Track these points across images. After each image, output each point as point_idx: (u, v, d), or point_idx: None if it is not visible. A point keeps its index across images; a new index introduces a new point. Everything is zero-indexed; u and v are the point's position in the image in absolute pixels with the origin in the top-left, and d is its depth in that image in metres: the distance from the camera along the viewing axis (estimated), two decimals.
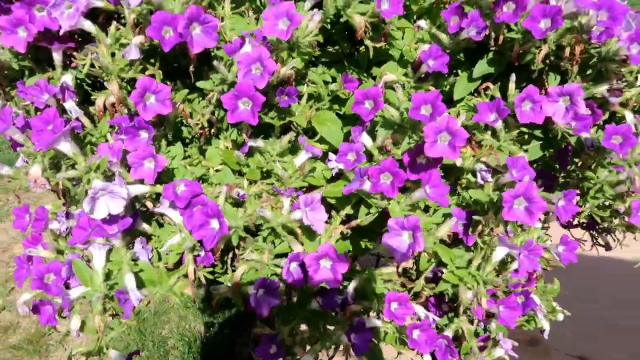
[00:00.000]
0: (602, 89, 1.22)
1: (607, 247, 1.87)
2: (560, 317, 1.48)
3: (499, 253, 1.14)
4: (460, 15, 1.24)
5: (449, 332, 1.25)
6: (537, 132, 1.41)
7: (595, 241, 1.88)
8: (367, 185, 1.12)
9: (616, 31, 1.14)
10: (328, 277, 1.05)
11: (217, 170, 1.22)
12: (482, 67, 1.30)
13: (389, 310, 1.19)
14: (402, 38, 1.48)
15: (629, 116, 1.36)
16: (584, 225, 1.78)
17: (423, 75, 1.34)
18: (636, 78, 1.36)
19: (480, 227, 1.13)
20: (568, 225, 1.79)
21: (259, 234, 1.20)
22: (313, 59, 1.46)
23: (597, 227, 1.82)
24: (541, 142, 1.41)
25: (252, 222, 1.10)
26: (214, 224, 1.02)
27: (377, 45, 1.35)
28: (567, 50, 1.16)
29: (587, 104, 1.33)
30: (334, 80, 1.44)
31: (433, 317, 1.25)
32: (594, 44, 1.20)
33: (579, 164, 1.34)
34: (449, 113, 1.36)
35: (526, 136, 1.43)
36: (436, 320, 1.25)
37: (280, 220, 1.11)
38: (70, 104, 1.20)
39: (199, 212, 1.01)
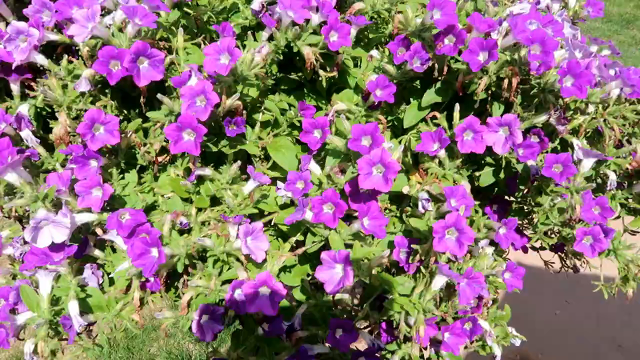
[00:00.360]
0: (541, 119, 1.25)
1: (575, 269, 1.88)
2: (517, 342, 1.48)
3: (438, 282, 1.15)
4: (406, 47, 1.27)
5: (396, 358, 1.27)
6: (489, 159, 1.43)
7: (564, 263, 1.90)
8: (308, 215, 1.15)
9: (554, 63, 1.16)
10: (265, 305, 1.07)
11: (168, 198, 1.25)
12: (430, 96, 1.33)
13: (332, 337, 1.21)
14: (359, 67, 1.51)
15: (576, 143, 1.38)
16: (552, 247, 1.79)
17: (376, 104, 1.37)
18: (587, 105, 1.38)
19: (417, 256, 1.15)
20: (537, 248, 1.81)
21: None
22: (271, 86, 1.50)
23: (565, 249, 1.84)
24: (494, 168, 1.43)
25: (194, 250, 1.13)
26: (154, 252, 1.05)
27: (329, 75, 1.39)
28: (506, 82, 1.18)
29: (534, 131, 1.36)
30: (293, 106, 1.47)
31: (379, 344, 1.27)
32: (534, 75, 1.23)
33: (525, 190, 1.36)
34: (400, 141, 1.39)
35: (483, 161, 1.46)
36: (381, 346, 1.26)
37: (222, 249, 1.14)
38: (26, 133, 1.23)
39: (139, 242, 1.04)
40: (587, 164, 1.27)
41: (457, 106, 1.27)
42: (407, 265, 1.18)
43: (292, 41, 1.29)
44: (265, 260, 1.20)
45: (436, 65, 1.26)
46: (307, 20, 1.33)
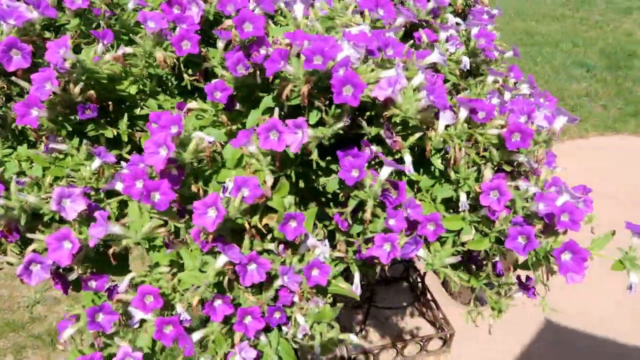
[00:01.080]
0: (338, 126, 1.35)
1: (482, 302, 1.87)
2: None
3: (220, 261, 1.30)
4: None
5: (199, 334, 1.40)
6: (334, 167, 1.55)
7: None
8: (119, 186, 1.36)
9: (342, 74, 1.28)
10: (64, 256, 1.28)
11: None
12: (267, 101, 1.49)
13: (140, 301, 1.38)
14: None
15: (407, 158, 1.45)
16: None
17: (232, 105, 1.56)
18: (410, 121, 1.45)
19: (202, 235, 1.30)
20: None
21: None
22: (160, 88, 1.75)
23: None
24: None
25: (27, 206, 1.38)
26: None
27: (192, 79, 1.61)
28: (302, 89, 1.32)
29: (364, 142, 1.47)
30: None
31: (186, 316, 1.42)
32: None
33: (341, 195, 1.46)
34: None
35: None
36: (187, 318, 1.41)
37: (49, 207, 1.37)
38: None
39: None
40: (384, 172, 1.35)
41: (276, 110, 1.42)
42: (200, 243, 1.34)
43: (152, 48, 1.53)
44: None
45: (258, 72, 1.42)
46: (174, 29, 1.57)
